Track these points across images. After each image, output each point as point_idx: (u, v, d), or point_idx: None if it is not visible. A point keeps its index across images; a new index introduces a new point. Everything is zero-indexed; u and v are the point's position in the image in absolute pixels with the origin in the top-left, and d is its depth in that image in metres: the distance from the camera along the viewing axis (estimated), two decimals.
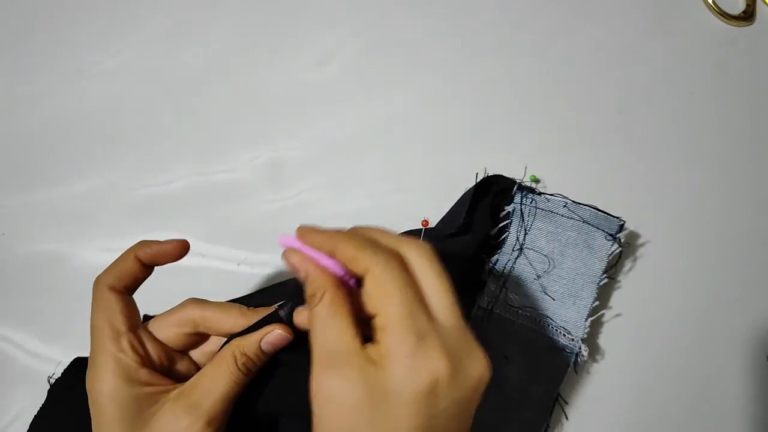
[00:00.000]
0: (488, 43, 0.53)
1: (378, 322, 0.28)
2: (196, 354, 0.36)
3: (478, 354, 0.29)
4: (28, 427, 0.38)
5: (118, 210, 0.48)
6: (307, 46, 0.53)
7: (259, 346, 0.33)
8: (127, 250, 0.34)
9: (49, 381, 0.40)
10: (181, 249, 0.35)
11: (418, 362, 0.27)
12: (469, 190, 0.45)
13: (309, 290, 0.30)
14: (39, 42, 0.52)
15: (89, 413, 0.32)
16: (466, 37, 0.53)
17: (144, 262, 0.34)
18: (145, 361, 0.33)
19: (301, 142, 0.50)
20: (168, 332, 0.34)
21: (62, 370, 0.40)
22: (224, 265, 0.47)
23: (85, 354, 0.33)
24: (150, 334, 0.34)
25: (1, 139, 0.50)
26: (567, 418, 0.44)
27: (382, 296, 0.28)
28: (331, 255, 0.30)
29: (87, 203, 0.48)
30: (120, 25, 0.53)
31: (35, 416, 0.38)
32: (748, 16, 0.54)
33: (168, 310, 0.35)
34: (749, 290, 0.47)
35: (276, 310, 0.34)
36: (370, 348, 0.28)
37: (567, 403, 0.44)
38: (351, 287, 0.30)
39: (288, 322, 0.34)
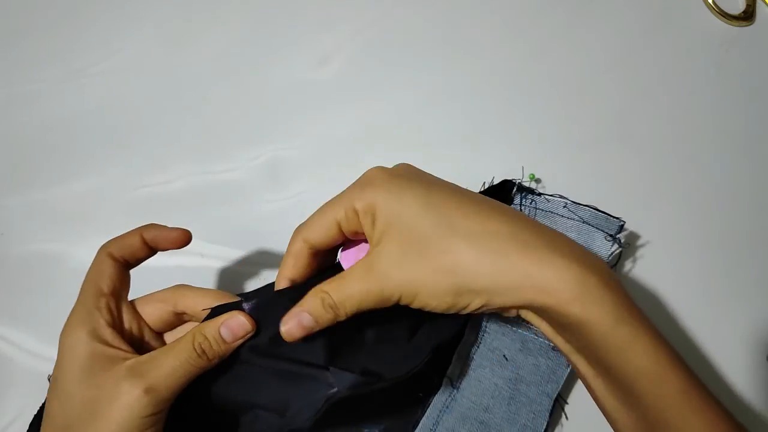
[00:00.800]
0: (488, 44, 0.53)
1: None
2: (169, 338, 0.37)
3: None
4: (27, 427, 0.38)
5: (117, 210, 0.48)
6: (307, 46, 0.53)
7: (219, 331, 0.33)
8: (136, 228, 0.36)
9: (49, 379, 0.40)
10: (183, 239, 0.36)
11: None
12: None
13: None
14: (39, 42, 0.52)
15: None
16: (466, 37, 0.53)
17: (147, 242, 0.36)
18: (116, 324, 0.34)
19: (301, 142, 0.50)
20: (149, 308, 0.36)
21: None
22: (224, 265, 0.47)
23: None
24: (132, 307, 0.36)
25: (1, 138, 0.50)
26: (567, 419, 0.44)
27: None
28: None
29: (86, 203, 0.48)
30: (120, 25, 0.53)
31: (35, 415, 0.38)
32: (748, 16, 0.54)
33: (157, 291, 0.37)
34: (749, 290, 0.47)
35: (240, 301, 0.35)
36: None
37: (567, 404, 0.44)
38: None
39: (253, 316, 0.34)
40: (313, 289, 0.34)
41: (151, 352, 0.33)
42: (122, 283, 0.36)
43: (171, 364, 0.32)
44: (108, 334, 0.33)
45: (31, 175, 0.49)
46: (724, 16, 0.54)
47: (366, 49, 0.53)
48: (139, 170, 0.49)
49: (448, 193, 0.34)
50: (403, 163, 0.37)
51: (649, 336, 0.31)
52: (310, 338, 0.34)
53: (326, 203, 0.36)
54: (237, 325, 0.34)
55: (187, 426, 0.35)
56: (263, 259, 0.47)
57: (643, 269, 0.47)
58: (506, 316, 0.36)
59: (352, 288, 0.33)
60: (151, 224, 0.36)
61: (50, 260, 0.46)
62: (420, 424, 0.41)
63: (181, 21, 0.53)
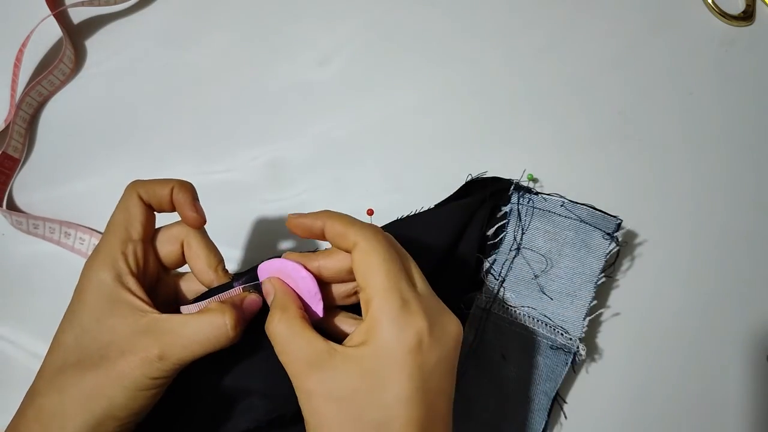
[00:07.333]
0: (488, 43, 0.53)
1: (364, 296, 0.30)
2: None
3: (450, 314, 0.31)
4: None
5: None
6: (307, 46, 0.53)
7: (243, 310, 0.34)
8: (170, 180, 0.35)
9: None
10: (198, 224, 0.36)
11: (403, 322, 0.28)
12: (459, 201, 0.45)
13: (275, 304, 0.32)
14: (38, 42, 0.52)
15: None
16: (466, 38, 0.53)
17: (173, 201, 0.35)
18: (139, 272, 0.33)
19: (301, 142, 0.50)
20: (166, 247, 0.35)
21: None
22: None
23: None
24: (155, 248, 0.35)
25: None
26: (566, 418, 0.44)
27: (369, 268, 0.30)
28: (321, 233, 0.32)
29: (87, 203, 0.48)
30: (120, 25, 0.53)
31: None
32: (748, 16, 0.54)
33: (167, 226, 0.36)
34: (749, 290, 0.47)
35: (231, 281, 0.35)
36: (355, 331, 0.30)
37: (566, 403, 0.44)
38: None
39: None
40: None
41: (174, 315, 0.32)
42: (150, 226, 0.35)
43: (192, 337, 0.31)
44: (131, 282, 0.32)
45: (31, 176, 0.49)
46: (723, 16, 0.54)
47: (366, 49, 0.53)
48: (139, 170, 0.49)
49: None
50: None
51: None
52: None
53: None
54: (253, 304, 0.34)
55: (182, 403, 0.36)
56: (263, 259, 0.47)
57: (641, 267, 0.47)
58: None
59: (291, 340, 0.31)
60: (184, 187, 0.35)
61: (52, 260, 0.47)
62: None
63: (181, 21, 0.53)
